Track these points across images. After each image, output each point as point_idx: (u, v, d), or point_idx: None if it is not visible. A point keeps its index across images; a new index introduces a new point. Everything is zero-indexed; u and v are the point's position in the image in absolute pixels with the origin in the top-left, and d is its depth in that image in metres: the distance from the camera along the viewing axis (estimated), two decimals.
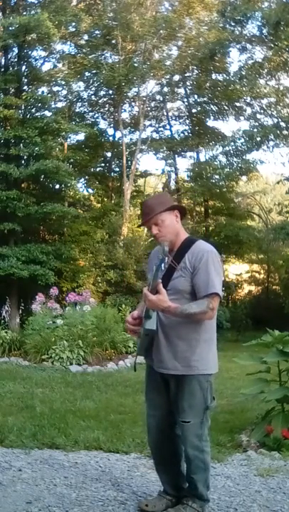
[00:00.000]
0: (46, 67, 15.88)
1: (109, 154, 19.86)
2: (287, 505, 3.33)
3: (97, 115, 19.43)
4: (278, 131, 15.33)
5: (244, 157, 16.71)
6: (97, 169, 20.37)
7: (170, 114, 19.92)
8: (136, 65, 16.71)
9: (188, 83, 18.94)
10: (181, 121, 20.33)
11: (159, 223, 3.02)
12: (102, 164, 20.41)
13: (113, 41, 16.86)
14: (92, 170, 19.85)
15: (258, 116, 17.60)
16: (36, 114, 14.46)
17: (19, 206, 12.65)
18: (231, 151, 16.67)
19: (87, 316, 9.64)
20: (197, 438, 3.00)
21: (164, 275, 2.94)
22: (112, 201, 18.81)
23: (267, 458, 4.16)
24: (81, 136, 17.78)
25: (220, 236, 17.52)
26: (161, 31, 16.51)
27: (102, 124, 19.78)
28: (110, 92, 18.06)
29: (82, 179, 19.32)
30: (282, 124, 15.58)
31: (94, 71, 16.81)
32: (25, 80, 14.47)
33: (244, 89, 17.01)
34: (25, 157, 13.47)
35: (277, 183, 18.53)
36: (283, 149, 16.30)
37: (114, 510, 3.19)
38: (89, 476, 3.75)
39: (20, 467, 3.88)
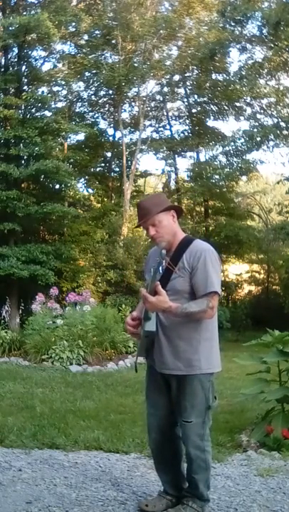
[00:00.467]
0: (46, 67, 15.91)
1: (109, 154, 19.87)
2: (287, 505, 3.33)
3: (97, 115, 19.44)
4: (278, 131, 15.31)
5: (244, 157, 16.69)
6: (97, 169, 20.37)
7: (170, 114, 19.93)
8: (136, 65, 16.72)
9: (188, 83, 18.93)
10: (181, 121, 20.33)
11: (157, 224, 3.02)
12: (102, 164, 20.42)
13: (113, 41, 16.86)
14: (92, 170, 19.85)
15: (258, 116, 17.59)
16: (36, 114, 14.46)
17: (19, 206, 12.65)
18: (231, 151, 16.65)
19: (87, 316, 9.64)
20: (199, 438, 3.00)
21: (163, 276, 2.94)
22: (112, 201, 18.82)
23: (267, 458, 4.16)
24: (81, 136, 17.82)
25: (220, 236, 17.50)
26: (161, 31, 16.51)
27: (102, 124, 19.82)
28: (110, 92, 18.06)
29: (82, 179, 19.33)
30: (282, 124, 15.56)
31: (94, 71, 16.81)
32: (25, 80, 14.47)
33: (244, 89, 16.99)
34: (25, 157, 13.47)
35: (277, 183, 18.51)
36: (283, 149, 16.31)
37: (114, 510, 3.19)
38: (89, 476, 3.75)
39: (20, 467, 3.88)
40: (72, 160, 16.43)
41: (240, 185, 21.25)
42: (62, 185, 15.41)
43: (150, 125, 19.23)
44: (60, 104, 16.80)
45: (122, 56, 16.67)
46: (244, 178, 19.66)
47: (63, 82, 15.97)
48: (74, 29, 15.78)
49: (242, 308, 16.64)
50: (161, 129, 19.93)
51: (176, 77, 18.48)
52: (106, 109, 19.48)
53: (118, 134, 18.71)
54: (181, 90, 19.24)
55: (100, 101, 19.10)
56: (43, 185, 15.81)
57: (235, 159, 16.97)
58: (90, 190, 20.12)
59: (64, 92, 17.08)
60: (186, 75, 18.44)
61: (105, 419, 5.32)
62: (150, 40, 16.42)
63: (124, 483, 3.63)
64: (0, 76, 13.58)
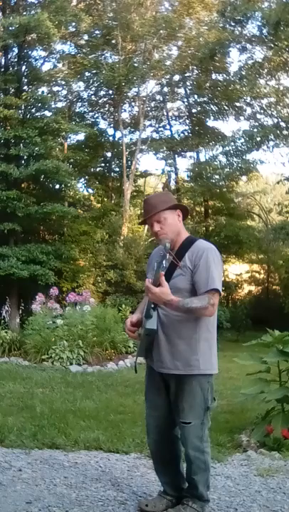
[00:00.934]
0: (46, 67, 15.94)
1: (109, 154, 19.87)
2: (287, 505, 3.33)
3: (97, 115, 19.46)
4: (278, 131, 15.32)
5: (244, 157, 16.69)
6: (97, 169, 20.38)
7: (170, 114, 19.94)
8: (136, 65, 16.73)
9: (188, 83, 18.94)
10: (181, 121, 20.35)
11: (162, 221, 3.02)
12: (102, 164, 20.43)
13: (113, 41, 16.87)
14: (92, 170, 19.86)
15: (258, 116, 17.61)
16: (36, 114, 14.48)
17: (19, 206, 12.65)
18: (231, 151, 16.64)
19: (87, 316, 9.64)
20: (198, 439, 3.00)
21: (166, 273, 2.93)
22: (112, 201, 18.82)
23: (267, 458, 4.16)
24: (81, 136, 17.82)
25: (220, 236, 17.50)
26: (161, 31, 16.51)
27: (102, 124, 19.85)
28: (110, 92, 18.06)
29: (82, 179, 19.35)
30: (282, 124, 15.57)
31: (94, 71, 16.82)
32: (25, 80, 14.47)
33: (244, 89, 17.00)
34: (25, 157, 13.47)
35: (277, 183, 18.53)
36: (283, 149, 16.31)
37: (114, 510, 3.19)
38: (89, 476, 3.75)
39: (20, 467, 3.87)
40: (72, 160, 16.44)
41: (240, 185, 21.26)
42: (62, 185, 15.43)
43: (150, 125, 19.26)
44: (60, 104, 16.86)
45: (122, 56, 16.68)
46: (244, 178, 19.67)
47: (63, 82, 15.99)
48: (74, 29, 15.79)
49: (242, 308, 16.65)
50: (161, 129, 19.98)
51: (176, 77, 18.49)
52: (106, 109, 19.49)
53: (118, 134, 18.74)
54: (181, 90, 19.28)
55: (100, 101, 19.12)
56: (43, 185, 15.82)
57: (235, 159, 16.96)
58: (90, 190, 20.16)
59: (64, 92, 17.14)
60: (186, 75, 18.45)
61: (105, 419, 5.32)
62: (150, 40, 16.43)
63: (124, 483, 3.63)
64: (0, 76, 13.59)
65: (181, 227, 3.10)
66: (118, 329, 9.84)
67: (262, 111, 17.56)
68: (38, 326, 9.42)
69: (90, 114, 19.29)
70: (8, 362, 9.01)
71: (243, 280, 21.00)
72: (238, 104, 18.25)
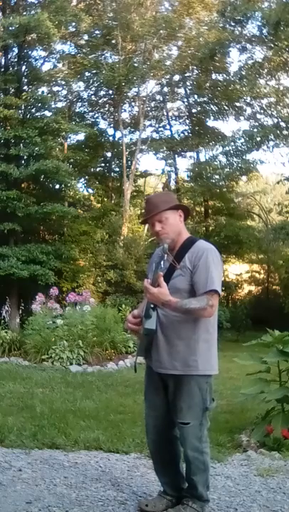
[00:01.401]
0: (46, 67, 15.95)
1: (109, 154, 19.88)
2: (287, 505, 3.33)
3: (97, 115, 19.47)
4: (278, 131, 15.32)
5: (244, 157, 16.70)
6: (97, 169, 20.39)
7: (170, 114, 19.95)
8: (136, 65, 16.74)
9: (188, 83, 18.95)
10: (181, 121, 20.36)
11: (163, 220, 3.02)
12: (102, 164, 20.43)
13: (113, 41, 16.88)
14: (92, 170, 19.87)
15: (258, 116, 17.62)
16: (36, 114, 14.48)
17: (19, 206, 12.66)
18: (231, 151, 16.65)
19: (87, 316, 9.64)
20: (197, 440, 2.99)
21: (165, 274, 2.93)
22: (112, 201, 18.83)
23: (267, 458, 4.16)
24: (81, 136, 17.83)
25: (220, 236, 17.51)
26: (161, 31, 16.52)
27: (102, 124, 19.86)
28: (110, 92, 18.07)
29: (82, 179, 19.36)
30: (282, 124, 15.57)
31: (94, 71, 16.83)
32: (25, 80, 14.48)
33: (244, 89, 17.00)
34: (25, 157, 13.48)
35: (277, 183, 18.53)
36: (283, 149, 16.32)
37: (114, 510, 3.19)
38: (89, 476, 3.75)
39: (20, 467, 3.87)
40: (72, 160, 16.45)
41: (240, 185, 21.26)
42: (62, 185, 15.44)
43: (150, 125, 19.28)
44: (60, 104, 16.87)
45: (122, 56, 16.68)
46: (244, 178, 19.68)
47: (63, 82, 15.99)
48: (74, 29, 15.80)
49: (242, 308, 16.65)
50: (161, 129, 20.00)
51: (176, 77, 18.50)
52: (106, 109, 19.50)
53: (118, 134, 18.75)
54: (181, 90, 19.29)
55: (99, 101, 19.12)
56: (43, 186, 15.82)
57: (235, 159, 16.97)
58: (90, 190, 20.17)
59: (64, 92, 17.14)
60: (186, 75, 18.45)
61: (105, 419, 5.32)
62: (150, 40, 16.43)
63: (124, 483, 3.63)
64: (0, 76, 13.59)
65: (182, 227, 3.10)
66: (118, 329, 9.84)
67: (262, 111, 17.58)
68: (38, 326, 9.42)
69: (90, 114, 19.33)
70: (8, 362, 9.01)
71: (243, 280, 21.00)
72: (238, 104, 18.27)
